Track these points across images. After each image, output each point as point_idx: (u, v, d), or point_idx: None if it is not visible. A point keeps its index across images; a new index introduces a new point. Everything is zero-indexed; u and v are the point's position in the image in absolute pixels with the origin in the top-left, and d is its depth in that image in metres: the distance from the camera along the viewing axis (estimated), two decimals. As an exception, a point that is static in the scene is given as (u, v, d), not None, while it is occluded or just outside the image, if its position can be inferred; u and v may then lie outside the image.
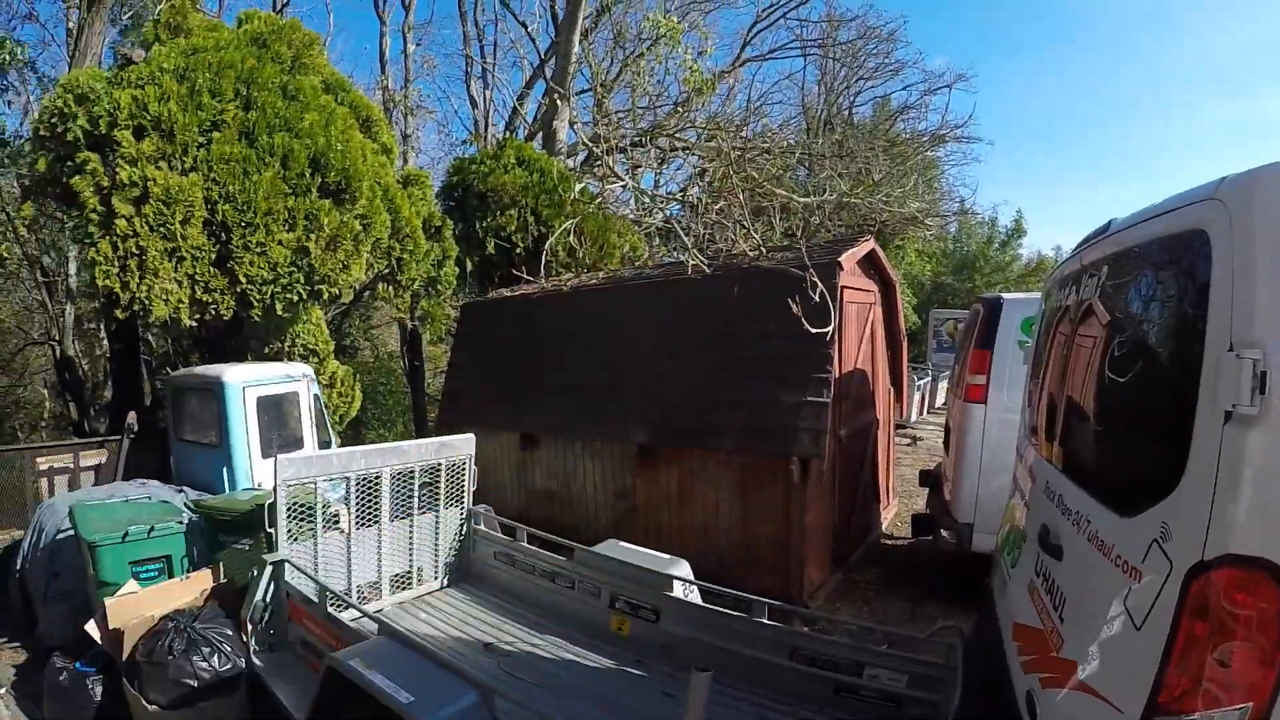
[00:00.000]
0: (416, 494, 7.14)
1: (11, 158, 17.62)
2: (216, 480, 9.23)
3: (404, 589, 7.30)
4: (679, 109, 17.96)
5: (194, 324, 10.06)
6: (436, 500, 7.34)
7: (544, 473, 11.04)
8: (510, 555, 7.29)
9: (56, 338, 19.38)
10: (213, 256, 9.67)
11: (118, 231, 9.27)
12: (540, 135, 19.25)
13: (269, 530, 6.15)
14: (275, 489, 6.03)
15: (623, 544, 7.16)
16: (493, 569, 7.49)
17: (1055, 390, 4.17)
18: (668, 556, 6.89)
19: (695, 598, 6.05)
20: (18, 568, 8.47)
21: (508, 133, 19.98)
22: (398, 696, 4.08)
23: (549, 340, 11.30)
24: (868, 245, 9.73)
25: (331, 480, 6.52)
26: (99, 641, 6.34)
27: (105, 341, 18.81)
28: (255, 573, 6.10)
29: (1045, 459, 4.19)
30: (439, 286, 13.12)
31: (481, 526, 7.67)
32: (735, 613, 5.57)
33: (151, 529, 7.06)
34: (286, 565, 6.08)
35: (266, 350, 11.51)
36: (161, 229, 9.33)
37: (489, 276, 15.00)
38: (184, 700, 5.59)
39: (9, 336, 23.05)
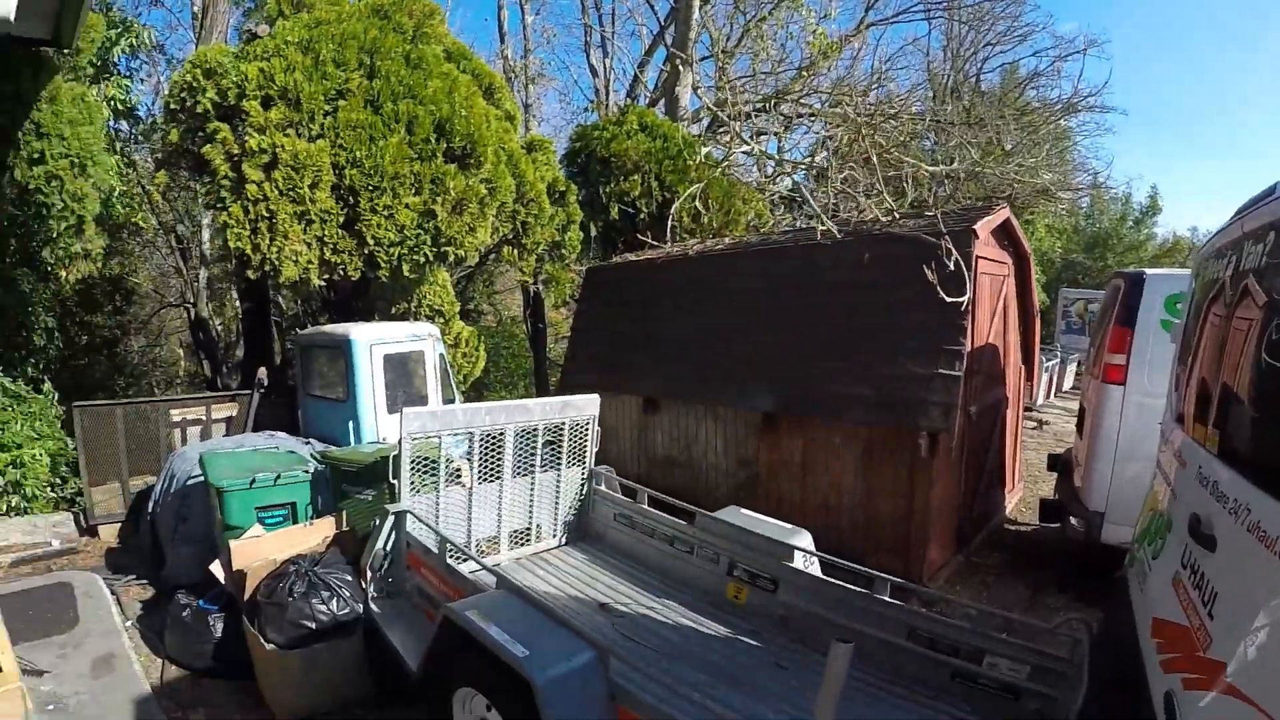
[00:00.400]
0: (539, 452, 7.17)
1: (145, 134, 18.43)
2: (342, 434, 9.48)
3: (522, 545, 7.41)
4: (802, 74, 17.67)
5: (323, 284, 10.37)
6: (559, 459, 7.36)
7: (665, 437, 11.04)
8: (630, 517, 7.27)
9: (191, 300, 20.18)
10: (341, 219, 9.92)
11: (248, 196, 9.59)
12: (662, 102, 19.19)
13: (392, 481, 6.29)
14: (400, 441, 6.12)
15: (744, 511, 7.09)
16: (611, 530, 7.51)
17: (1210, 369, 3.86)
18: (789, 526, 6.80)
19: (815, 570, 5.95)
20: (149, 511, 9.02)
21: (629, 100, 19.92)
22: (513, 650, 4.11)
23: (673, 304, 11.28)
24: (1003, 213, 9.35)
25: (455, 436, 6.62)
26: (222, 581, 6.67)
27: (237, 303, 19.51)
28: (377, 522, 6.22)
29: (1197, 442, 3.89)
30: (564, 251, 13.25)
31: (602, 487, 7.69)
32: (855, 588, 5.44)
33: (278, 476, 7.34)
34: (408, 516, 6.18)
35: (393, 311, 11.81)
36: (291, 193, 9.61)
37: (613, 241, 14.99)
38: (301, 641, 5.76)
39: (146, 300, 23.84)
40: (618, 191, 14.08)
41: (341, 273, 10.04)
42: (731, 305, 10.42)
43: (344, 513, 7.21)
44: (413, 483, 6.40)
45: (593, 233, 14.66)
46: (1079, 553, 8.27)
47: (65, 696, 6.08)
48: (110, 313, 19.89)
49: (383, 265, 10.10)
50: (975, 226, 8.35)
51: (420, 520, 6.17)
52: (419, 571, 6.02)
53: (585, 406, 7.42)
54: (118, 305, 19.90)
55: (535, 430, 7.09)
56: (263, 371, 10.92)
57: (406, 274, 10.39)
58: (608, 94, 21.89)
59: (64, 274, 12.89)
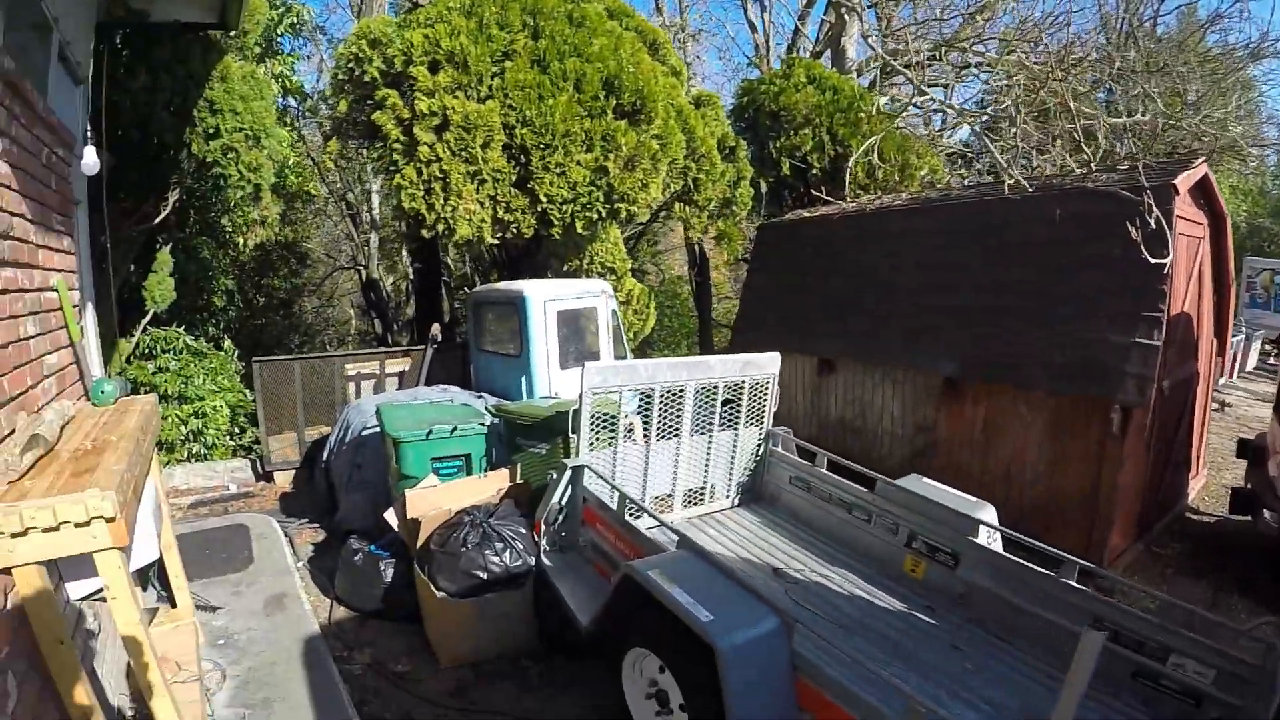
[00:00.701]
0: (718, 410, 7.00)
1: (311, 110, 19.03)
2: (514, 388, 9.51)
3: (695, 504, 7.27)
4: (974, 19, 16.78)
5: (495, 243, 10.30)
6: (736, 418, 7.17)
7: (839, 399, 10.65)
8: (806, 480, 7.01)
9: (362, 263, 20.64)
10: (513, 178, 9.82)
11: (421, 158, 9.59)
12: (827, 54, 18.58)
13: (572, 435, 6.19)
14: (581, 395, 6.01)
15: (926, 480, 6.70)
16: (786, 492, 7.27)
17: None
18: (973, 499, 6.35)
19: (996, 546, 5.59)
20: (324, 460, 9.44)
21: (791, 54, 19.35)
22: (696, 613, 4.00)
23: (850, 262, 10.85)
24: (1201, 169, 8.40)
25: (633, 391, 6.50)
26: (395, 529, 6.76)
27: (408, 264, 19.81)
28: (554, 476, 6.10)
29: None
30: (734, 207, 12.89)
31: (779, 449, 7.41)
32: (1041, 570, 5.06)
33: (454, 429, 7.33)
34: (586, 471, 6.05)
35: (565, 268, 11.68)
36: (463, 153, 9.55)
37: (783, 198, 14.66)
38: (472, 590, 5.79)
39: (319, 264, 24.67)
40: (788, 146, 13.61)
41: (514, 231, 9.95)
42: (911, 263, 9.97)
43: (518, 466, 7.16)
44: (591, 438, 6.32)
45: (763, 189, 14.25)
46: (1272, 549, 7.63)
47: (236, 632, 6.24)
48: (286, 276, 20.77)
49: (555, 223, 9.96)
50: (1175, 181, 7.68)
51: (599, 476, 6.07)
52: (594, 527, 5.90)
53: (766, 365, 7.18)
54: (292, 268, 20.71)
55: (715, 388, 6.91)
56: (436, 328, 11.03)
57: (579, 231, 10.23)
58: (768, 49, 21.26)
59: (242, 241, 13.30)
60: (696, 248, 17.88)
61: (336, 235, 24.53)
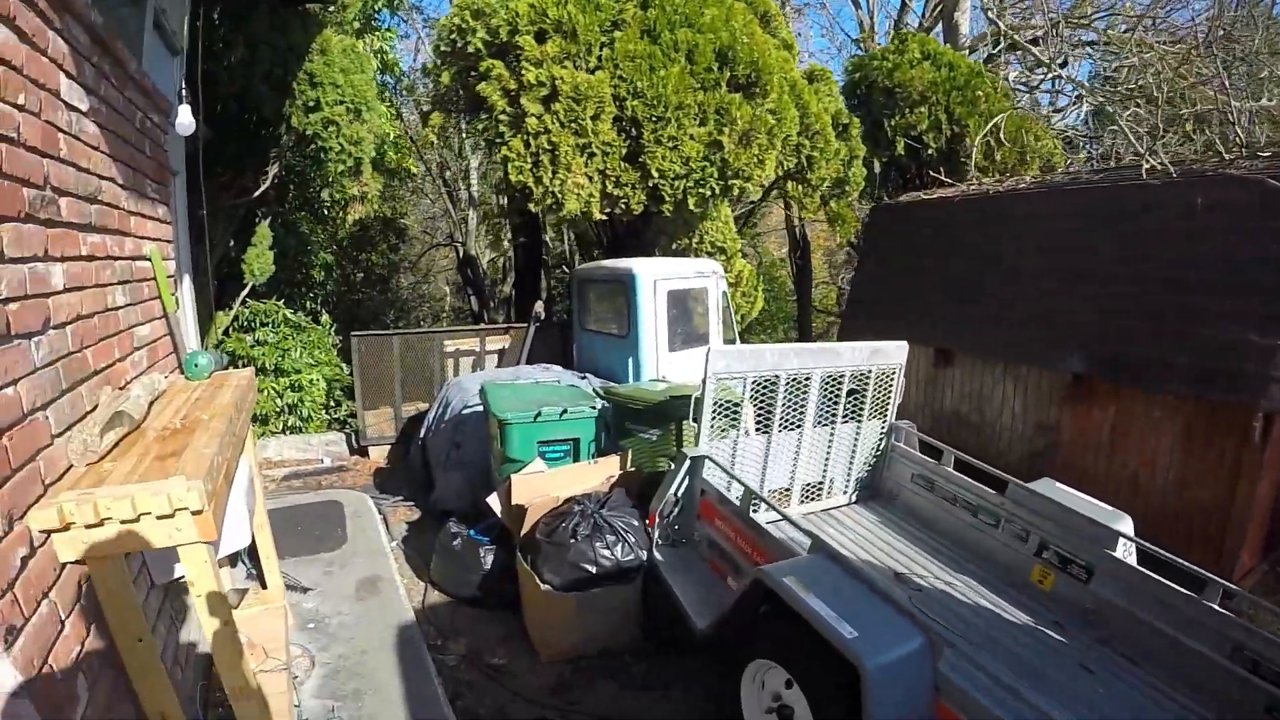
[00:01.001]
0: (843, 401, 6.61)
1: (409, 88, 18.89)
2: (620, 370, 9.20)
3: (812, 500, 6.92)
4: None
5: (603, 219, 9.86)
6: (860, 410, 6.79)
7: (956, 393, 10.18)
8: (930, 479, 6.59)
9: (459, 240, 20.41)
10: (623, 152, 9.35)
11: (528, 130, 9.17)
12: (938, 29, 17.67)
13: (691, 423, 5.97)
14: (704, 381, 5.69)
15: (1059, 485, 6.18)
16: (906, 490, 6.87)
17: None
18: (1110, 508, 5.86)
19: (1131, 560, 5.09)
20: (421, 437, 9.20)
21: (897, 29, 18.58)
22: (839, 629, 3.71)
23: (970, 248, 10.34)
24: None
25: (758, 378, 6.07)
26: (497, 514, 6.39)
27: (506, 241, 19.60)
28: (671, 466, 5.81)
29: None
30: (847, 188, 12.22)
31: (902, 444, 6.99)
32: (1182, 590, 4.59)
33: (564, 411, 6.91)
34: (706, 462, 5.67)
35: (674, 246, 11.20)
36: (572, 124, 9.10)
37: (896, 179, 14.04)
38: (578, 584, 5.49)
39: (416, 240, 24.51)
40: (903, 125, 12.91)
41: (623, 207, 9.50)
42: (1036, 251, 9.38)
43: (628, 452, 6.74)
44: (713, 426, 5.93)
45: (875, 169, 13.55)
46: None
47: (327, 616, 5.95)
48: (384, 251, 20.60)
49: (666, 199, 9.48)
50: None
51: (723, 470, 5.69)
52: (712, 522, 5.57)
53: (894, 354, 6.78)
54: (391, 244, 20.55)
55: (842, 377, 6.55)
56: (540, 306, 10.67)
57: (691, 208, 9.73)
58: (872, 25, 20.45)
59: (341, 216, 13.07)
60: (798, 229, 17.29)
61: (434, 212, 24.35)
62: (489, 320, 18.90)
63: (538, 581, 5.51)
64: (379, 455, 10.51)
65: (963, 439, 9.61)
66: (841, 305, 26.76)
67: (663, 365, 9.02)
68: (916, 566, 5.84)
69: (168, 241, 5.01)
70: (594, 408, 7.11)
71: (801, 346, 6.38)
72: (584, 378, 9.11)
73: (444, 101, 11.17)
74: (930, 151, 12.97)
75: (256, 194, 9.89)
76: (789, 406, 6.33)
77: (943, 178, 12.09)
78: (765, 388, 6.15)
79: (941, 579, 5.65)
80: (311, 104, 9.34)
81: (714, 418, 5.90)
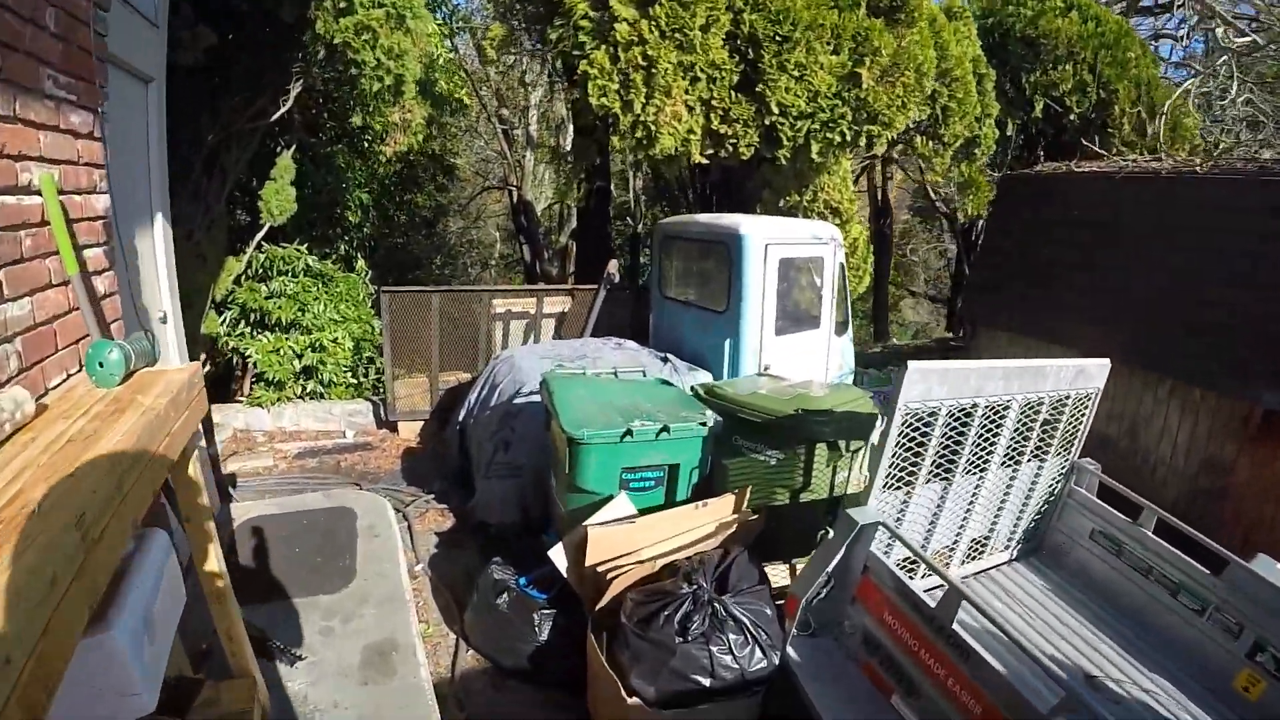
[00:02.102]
0: (1036, 433, 4.90)
1: (464, 18, 16.90)
2: (712, 354, 7.31)
3: (974, 558, 5.24)
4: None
5: (704, 161, 7.73)
6: (1045, 446, 5.07)
7: (1103, 411, 7.89)
8: (1119, 540, 5.00)
9: (515, 184, 18.37)
10: (735, 79, 7.24)
11: (618, 39, 6.99)
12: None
13: (861, 477, 4.86)
14: (893, 413, 3.94)
15: (1281, 566, 4.62)
16: (1081, 549, 5.28)
17: None
18: None
19: None
20: (461, 418, 7.34)
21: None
22: None
23: (1133, 237, 8.24)
24: None
25: (960, 406, 4.28)
26: (563, 574, 4.53)
27: (563, 188, 17.59)
28: (827, 534, 4.03)
29: None
30: (977, 150, 10.00)
31: (1083, 489, 5.29)
32: None
33: (664, 429, 4.85)
34: (878, 531, 3.97)
35: (781, 204, 8.99)
36: (676, 36, 6.94)
37: (1032, 145, 11.90)
38: (681, 699, 3.73)
39: (466, 183, 22.52)
40: (1044, 82, 10.80)
41: (730, 148, 7.39)
42: (1217, 251, 7.33)
43: (746, 490, 4.82)
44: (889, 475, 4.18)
45: (1009, 130, 11.31)
46: None
47: (317, 706, 4.05)
48: (430, 193, 18.39)
49: (785, 142, 7.36)
50: None
51: (908, 546, 3.89)
52: (877, 612, 3.90)
53: (1095, 376, 5.08)
54: (439, 184, 18.40)
55: (1040, 404, 4.81)
56: (614, 265, 8.60)
57: (814, 156, 7.62)
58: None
59: (384, 149, 10.89)
60: (879, 192, 15.13)
61: (487, 154, 22.41)
62: (542, 272, 17.08)
63: (621, 689, 3.76)
64: (409, 432, 8.64)
65: (1107, 467, 7.66)
66: (912, 281, 24.55)
67: (767, 352, 7.17)
68: (1109, 663, 4.40)
69: (93, 166, 3.04)
70: (704, 423, 5.06)
71: (1003, 364, 4.51)
72: (665, 359, 7.28)
73: (508, 9, 9.02)
74: (1073, 116, 10.95)
75: (275, 116, 7.85)
76: (977, 443, 4.59)
77: (1096, 148, 10.10)
78: (958, 419, 4.37)
79: (1140, 684, 4.25)
80: (343, 6, 7.22)
81: (893, 463, 4.14)
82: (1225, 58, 12.09)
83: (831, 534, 4.01)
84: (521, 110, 18.71)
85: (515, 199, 18.27)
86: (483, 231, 24.63)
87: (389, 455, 8.11)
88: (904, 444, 4.15)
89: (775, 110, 7.11)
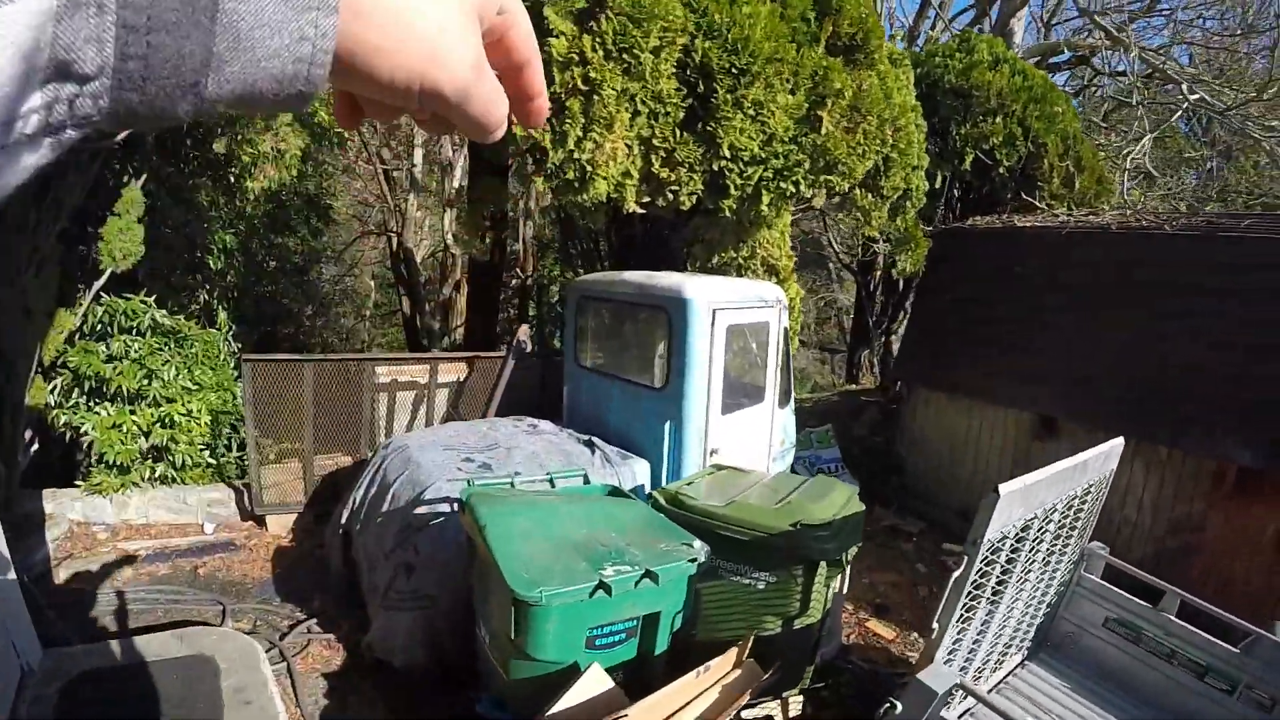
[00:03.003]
0: (1066, 527, 4.39)
1: None
2: (647, 437, 6.18)
3: (995, 668, 4.67)
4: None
5: (639, 210, 6.44)
6: (1067, 536, 4.50)
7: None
8: (1136, 627, 4.62)
9: (396, 229, 16.76)
10: (680, 115, 6.04)
11: (554, 55, 5.62)
12: (983, 29, 14.59)
13: (932, 626, 3.47)
14: (974, 544, 3.29)
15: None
16: (1093, 637, 4.83)
17: None
18: None
19: None
20: (343, 522, 5.98)
21: (912, 30, 15.84)
22: None
23: (1083, 293, 7.85)
24: None
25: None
26: None
27: (446, 235, 16.10)
28: (894, 709, 3.31)
29: None
30: (907, 203, 9.03)
31: (1092, 576, 4.89)
32: None
33: (646, 574, 3.53)
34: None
35: (714, 261, 7.75)
36: (624, 55, 5.68)
37: (961, 198, 11.15)
38: None
39: (341, 228, 20.74)
40: (974, 135, 10.01)
41: (670, 196, 6.16)
42: (1166, 306, 7.21)
43: (748, 640, 3.94)
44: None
45: (938, 183, 10.44)
46: None
47: None
48: (305, 237, 16.52)
49: (733, 191, 6.17)
50: None
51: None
52: None
53: (1113, 456, 4.58)
54: (314, 227, 16.56)
55: (1077, 498, 4.28)
56: (525, 331, 7.27)
57: (763, 208, 6.44)
58: (890, 24, 17.53)
59: (250, 183, 9.27)
60: (868, 252, 14.29)
61: (364, 197, 20.51)
62: (423, 326, 15.54)
63: None
64: (280, 528, 7.09)
65: None
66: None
67: (713, 434, 6.02)
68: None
69: None
70: (694, 559, 3.76)
71: (1064, 468, 3.81)
72: (590, 445, 6.04)
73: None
74: (1002, 169, 10.24)
75: (121, 136, 6.30)
76: (1028, 555, 4.04)
77: (1034, 201, 9.72)
78: (1018, 535, 3.72)
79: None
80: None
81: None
82: (1141, 112, 11.90)
83: (900, 708, 3.34)
84: (404, 150, 17.17)
85: (395, 246, 16.67)
86: (358, 280, 22.83)
87: (257, 558, 6.62)
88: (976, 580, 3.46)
89: (726, 154, 5.93)
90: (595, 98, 5.57)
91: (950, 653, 3.62)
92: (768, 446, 6.79)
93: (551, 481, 4.80)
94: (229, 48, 0.40)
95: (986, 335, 8.56)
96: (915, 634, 6.24)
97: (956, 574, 3.30)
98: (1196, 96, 11.88)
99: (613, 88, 5.56)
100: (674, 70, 5.85)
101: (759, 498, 4.63)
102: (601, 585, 3.35)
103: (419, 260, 17.29)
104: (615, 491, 4.66)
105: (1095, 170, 10.71)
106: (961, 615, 3.50)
